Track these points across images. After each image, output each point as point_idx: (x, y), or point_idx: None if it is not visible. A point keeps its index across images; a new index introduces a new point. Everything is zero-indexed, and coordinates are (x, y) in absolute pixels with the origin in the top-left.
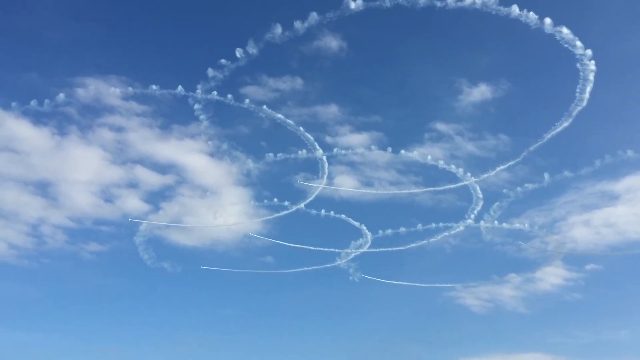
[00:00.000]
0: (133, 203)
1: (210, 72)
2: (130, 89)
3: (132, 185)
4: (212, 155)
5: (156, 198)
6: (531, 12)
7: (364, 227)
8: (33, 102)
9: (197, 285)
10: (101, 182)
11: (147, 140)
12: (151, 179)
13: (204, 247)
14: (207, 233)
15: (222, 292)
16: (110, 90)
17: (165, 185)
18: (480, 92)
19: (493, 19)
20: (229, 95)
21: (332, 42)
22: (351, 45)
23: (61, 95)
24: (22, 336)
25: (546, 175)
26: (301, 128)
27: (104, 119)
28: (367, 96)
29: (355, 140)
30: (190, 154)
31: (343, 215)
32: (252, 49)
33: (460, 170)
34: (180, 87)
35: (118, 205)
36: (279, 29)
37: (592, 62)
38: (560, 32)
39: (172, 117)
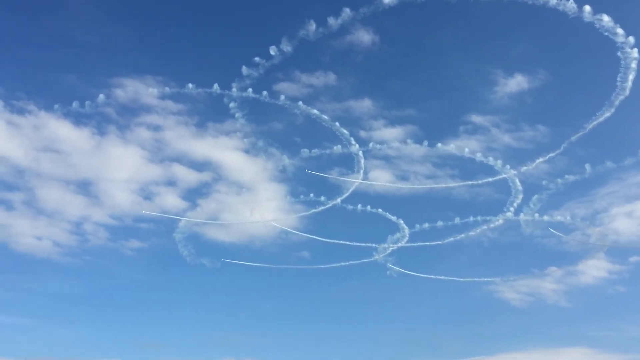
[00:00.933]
0: (171, 200)
1: (245, 70)
2: (167, 88)
3: (170, 182)
4: (247, 152)
5: (193, 195)
6: (570, 1)
7: (402, 221)
8: (75, 104)
9: (235, 280)
10: (140, 180)
11: (183, 139)
12: (188, 177)
13: (241, 243)
14: (244, 229)
15: (260, 287)
16: (147, 90)
17: (202, 183)
18: (517, 82)
19: (529, 9)
20: (264, 92)
21: (364, 36)
22: (383, 38)
23: (101, 96)
24: (67, 331)
25: (587, 166)
26: (337, 123)
27: (141, 119)
28: (401, 90)
29: (389, 134)
30: (225, 151)
31: (380, 210)
32: (286, 47)
33: (499, 162)
34: (216, 86)
35: (157, 202)
36: (312, 26)
37: (635, 50)
38: (600, 20)
39: (208, 114)
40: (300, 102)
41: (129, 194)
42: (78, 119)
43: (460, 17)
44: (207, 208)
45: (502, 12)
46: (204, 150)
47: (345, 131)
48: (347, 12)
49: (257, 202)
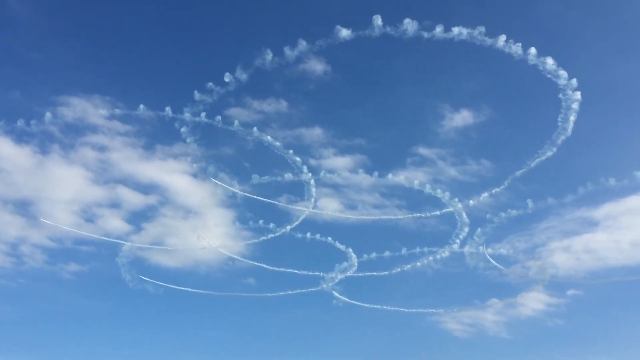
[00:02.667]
0: (115, 223)
1: (197, 95)
2: (116, 110)
3: (114, 205)
4: (195, 176)
5: (138, 218)
6: (518, 44)
7: (351, 251)
8: (20, 122)
9: (178, 307)
10: (83, 202)
11: (130, 160)
12: (133, 199)
13: (185, 269)
14: (190, 254)
15: (203, 315)
16: (94, 110)
17: (147, 206)
18: (462, 117)
19: (477, 49)
20: (218, 117)
21: (316, 66)
22: (335, 68)
23: (48, 115)
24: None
25: (529, 202)
26: (291, 151)
27: (86, 138)
28: (351, 119)
29: (339, 163)
30: (173, 174)
31: (329, 238)
32: (241, 74)
33: (447, 195)
34: (168, 109)
35: (99, 225)
36: (269, 55)
37: (578, 92)
38: (544, 62)
39: (156, 137)
40: (254, 128)
41: (70, 215)
42: (19, 137)
43: (412, 52)
44: (152, 232)
45: (451, 50)
46: (151, 173)
47: (298, 159)
48: (303, 44)
49: (204, 227)
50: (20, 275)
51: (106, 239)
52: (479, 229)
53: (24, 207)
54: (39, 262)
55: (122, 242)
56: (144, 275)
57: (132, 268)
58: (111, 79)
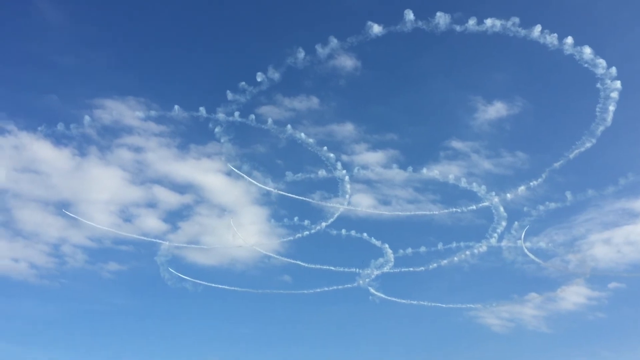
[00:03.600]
0: (152, 222)
1: (230, 95)
2: (152, 111)
3: (151, 204)
4: (229, 174)
5: (174, 217)
6: (553, 34)
7: (387, 246)
8: (60, 126)
9: (215, 305)
10: (120, 202)
11: (165, 160)
12: (169, 199)
13: (221, 267)
14: (225, 252)
15: (239, 312)
16: (129, 112)
17: (183, 205)
18: (496, 109)
19: (511, 40)
20: (252, 116)
21: (347, 62)
22: (366, 64)
23: (87, 118)
24: (43, 356)
25: (569, 194)
26: (325, 148)
27: (122, 140)
28: (382, 114)
29: (371, 159)
30: (207, 173)
31: (365, 234)
32: (274, 73)
33: (483, 188)
34: (202, 109)
35: (137, 224)
36: (301, 54)
37: (617, 81)
38: (581, 51)
39: (190, 136)
40: (288, 126)
41: (108, 215)
42: (58, 140)
43: (443, 45)
44: (188, 230)
45: (484, 42)
46: (186, 172)
47: (332, 155)
48: (334, 41)
49: (239, 225)
50: (62, 275)
51: (144, 238)
52: (516, 223)
53: (64, 209)
54: (80, 262)
55: (160, 241)
56: (182, 273)
57: (170, 267)
58: (144, 80)
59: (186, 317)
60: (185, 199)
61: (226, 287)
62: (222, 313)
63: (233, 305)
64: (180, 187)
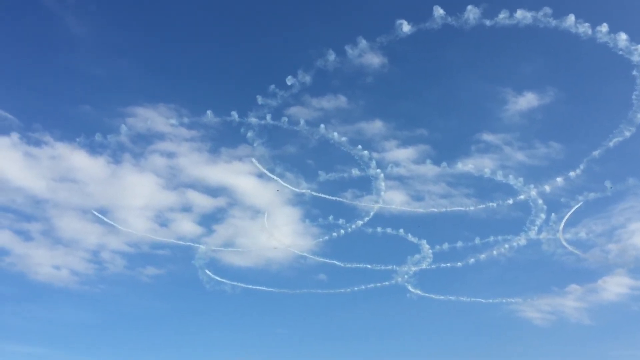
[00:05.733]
0: (187, 226)
1: (260, 99)
2: (185, 119)
3: (185, 208)
4: (261, 176)
5: (209, 221)
6: (585, 24)
7: (424, 242)
8: (98, 136)
9: (252, 306)
10: (156, 207)
11: (197, 165)
12: (203, 202)
13: (257, 268)
14: (261, 253)
15: (277, 312)
16: (160, 119)
17: (217, 208)
18: (527, 100)
19: (542, 31)
20: (284, 119)
21: (373, 59)
22: (392, 61)
23: (124, 127)
24: None
25: (608, 184)
26: (359, 146)
27: (155, 146)
28: (411, 110)
29: (401, 155)
30: (239, 176)
31: (401, 231)
32: (304, 76)
33: (520, 180)
34: (234, 114)
35: (173, 228)
36: (332, 56)
37: None
38: (616, 39)
39: (220, 140)
40: (322, 126)
41: (145, 220)
42: (93, 149)
43: (471, 39)
44: (223, 233)
45: (513, 34)
46: (218, 176)
47: (365, 153)
48: (363, 42)
49: (273, 226)
50: (101, 281)
51: (181, 242)
52: (553, 215)
53: (101, 215)
54: (119, 267)
55: (196, 244)
56: (219, 276)
57: (207, 269)
58: (174, 87)
59: (224, 318)
60: (218, 202)
61: (263, 288)
62: (259, 314)
63: (270, 306)
64: (213, 191)
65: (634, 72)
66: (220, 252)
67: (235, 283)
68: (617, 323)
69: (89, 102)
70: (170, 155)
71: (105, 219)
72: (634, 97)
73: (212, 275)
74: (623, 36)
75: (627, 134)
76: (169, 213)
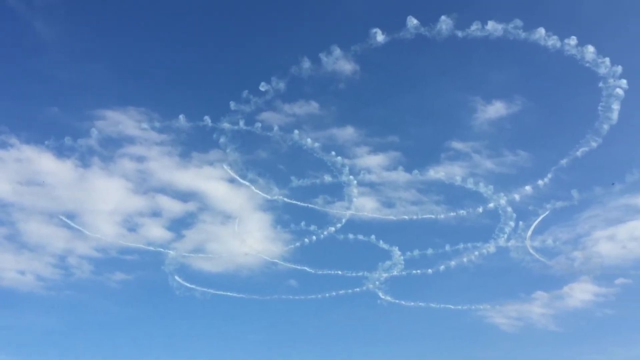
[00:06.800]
0: (157, 231)
1: (233, 105)
2: (154, 121)
3: (155, 213)
4: (232, 181)
5: (179, 225)
6: (555, 36)
7: (396, 249)
8: (67, 139)
9: (222, 312)
10: (124, 212)
11: (167, 169)
12: (173, 207)
13: (227, 273)
14: (232, 259)
15: (247, 319)
16: (129, 122)
17: (187, 213)
18: (495, 109)
19: (512, 43)
20: (258, 124)
21: (345, 66)
22: (364, 67)
23: (94, 130)
24: None
25: (575, 192)
26: (333, 152)
27: (124, 150)
28: (383, 117)
29: (372, 162)
30: (210, 180)
31: (373, 237)
32: (278, 83)
33: (490, 189)
34: (207, 118)
35: (142, 233)
36: (306, 63)
37: (623, 80)
38: (584, 51)
39: (191, 145)
40: (296, 131)
41: (113, 225)
42: (61, 152)
43: (443, 48)
44: (193, 238)
45: (484, 44)
46: (189, 181)
47: (339, 159)
48: (337, 50)
49: (244, 232)
50: (68, 287)
51: (150, 247)
52: (521, 222)
53: (69, 220)
54: (86, 272)
55: (166, 250)
56: (188, 281)
57: (177, 275)
58: (144, 91)
59: (194, 324)
60: (188, 207)
61: (233, 294)
62: (230, 320)
63: (240, 312)
64: (184, 196)
65: (600, 84)
66: (190, 258)
67: (205, 289)
68: (582, 329)
69: (57, 105)
70: (140, 159)
71: (72, 224)
72: (600, 108)
73: (182, 282)
74: (590, 49)
75: (594, 144)
76: (138, 218)
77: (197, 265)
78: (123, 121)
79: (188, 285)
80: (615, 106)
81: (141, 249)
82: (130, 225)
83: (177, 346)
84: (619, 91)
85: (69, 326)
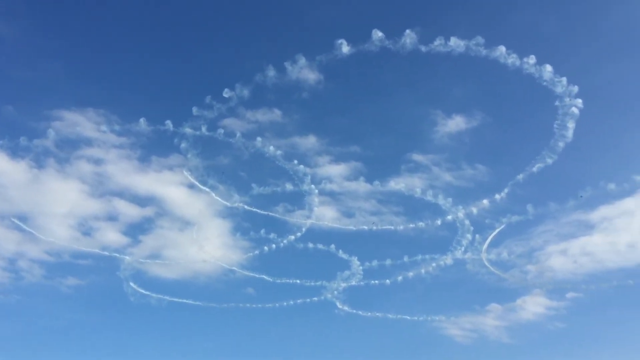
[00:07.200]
0: (112, 236)
1: (195, 110)
2: (113, 124)
3: (111, 217)
4: (192, 186)
5: (135, 230)
6: (514, 55)
7: (355, 259)
8: (22, 139)
9: (178, 320)
10: (79, 215)
11: (125, 173)
12: (130, 211)
13: (184, 280)
14: (189, 266)
15: (203, 326)
16: (88, 124)
17: (144, 218)
18: (455, 123)
19: (473, 59)
20: (220, 131)
21: (309, 75)
22: (328, 77)
23: (51, 131)
24: None
25: (530, 207)
26: (296, 161)
27: (81, 152)
28: (345, 127)
29: (334, 171)
30: (169, 185)
31: (333, 246)
32: (242, 90)
33: (449, 201)
34: (169, 122)
35: (97, 238)
36: (272, 71)
37: (579, 99)
38: (542, 70)
39: (151, 148)
40: (259, 139)
41: (67, 229)
42: (15, 152)
43: (406, 61)
44: (150, 244)
45: (446, 59)
46: (147, 185)
47: (301, 168)
48: (302, 59)
49: (202, 238)
50: (17, 291)
51: (105, 252)
52: (477, 235)
53: (21, 222)
54: (37, 276)
55: (121, 255)
56: (144, 288)
57: (132, 281)
58: (104, 93)
59: (149, 332)
60: (146, 211)
61: (190, 301)
62: (186, 328)
63: (197, 320)
64: (141, 200)
65: (557, 103)
66: (146, 264)
67: (161, 296)
68: (534, 341)
69: (12, 103)
70: (97, 161)
71: (24, 226)
72: (555, 126)
73: (137, 288)
74: (548, 68)
75: (549, 160)
76: (94, 222)
77: (153, 271)
78: (81, 122)
79: (143, 291)
80: (571, 124)
81: (95, 254)
82: (85, 229)
83: (131, 354)
84: (575, 110)
85: (17, 331)
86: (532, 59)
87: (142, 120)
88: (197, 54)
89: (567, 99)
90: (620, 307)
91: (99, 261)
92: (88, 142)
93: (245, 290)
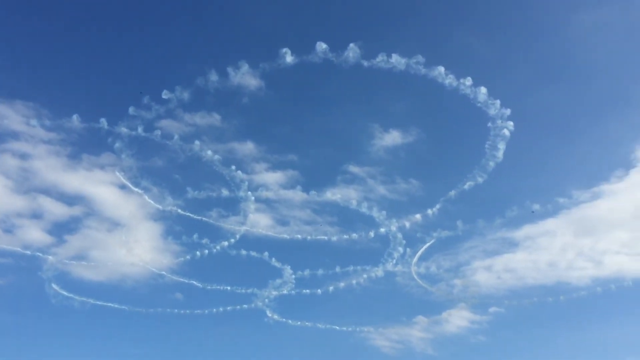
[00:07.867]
0: (35, 234)
1: (132, 109)
2: (44, 118)
3: (35, 215)
4: (123, 187)
5: (61, 230)
6: (451, 75)
7: (288, 268)
8: None
9: (102, 323)
10: (1, 211)
11: (53, 169)
12: (56, 210)
13: (110, 283)
14: (115, 268)
15: (129, 331)
16: (15, 117)
17: (71, 217)
18: (392, 137)
19: (412, 76)
20: (157, 132)
21: (250, 81)
22: (269, 84)
23: None
24: None
25: (460, 223)
26: (233, 167)
27: (7, 145)
28: (284, 135)
29: (270, 179)
30: (99, 185)
31: (266, 254)
32: (182, 93)
33: (383, 214)
34: (103, 120)
35: (19, 235)
36: (214, 76)
37: (510, 122)
38: (477, 91)
39: (82, 146)
40: (197, 142)
41: None
42: None
43: (347, 74)
44: (76, 244)
45: (387, 74)
46: (76, 183)
47: (239, 174)
48: (245, 66)
49: (132, 241)
50: None
51: (27, 251)
52: (408, 249)
53: None
54: None
55: (44, 255)
56: (67, 289)
57: (55, 282)
58: (34, 85)
59: (72, 336)
60: (73, 210)
61: (115, 305)
62: (111, 332)
63: (122, 324)
64: (69, 198)
65: (489, 124)
66: (71, 265)
67: (85, 299)
68: (457, 354)
69: None
70: (23, 156)
71: None
72: (487, 146)
73: (59, 290)
74: (483, 90)
75: (480, 179)
76: (16, 219)
77: (78, 273)
78: (9, 115)
79: (66, 293)
80: (501, 145)
81: (17, 252)
82: (7, 226)
83: (52, 357)
84: (506, 132)
85: None
86: (468, 81)
87: (75, 116)
88: (137, 52)
89: (499, 121)
90: (539, 322)
91: (20, 260)
92: (15, 136)
93: (173, 295)
